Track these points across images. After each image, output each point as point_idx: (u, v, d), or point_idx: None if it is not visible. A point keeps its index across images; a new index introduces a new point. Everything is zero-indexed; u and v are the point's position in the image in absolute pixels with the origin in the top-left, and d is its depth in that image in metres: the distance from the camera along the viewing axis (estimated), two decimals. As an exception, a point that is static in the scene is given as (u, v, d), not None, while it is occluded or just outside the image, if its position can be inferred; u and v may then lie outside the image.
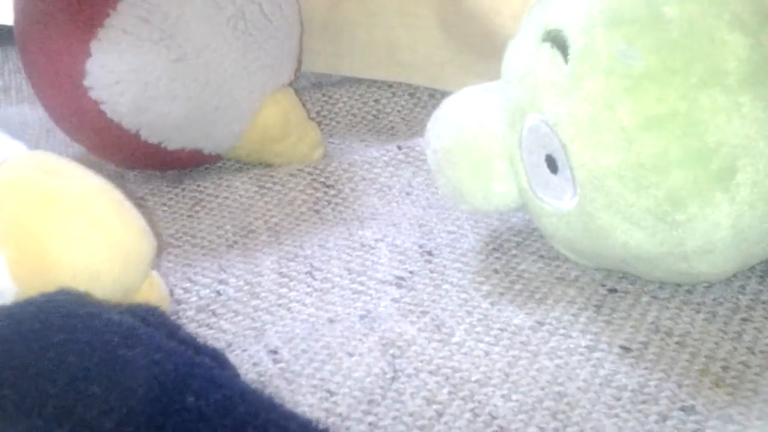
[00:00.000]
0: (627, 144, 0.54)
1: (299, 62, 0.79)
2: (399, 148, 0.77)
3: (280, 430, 0.43)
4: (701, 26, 0.53)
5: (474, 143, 0.61)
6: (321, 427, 0.45)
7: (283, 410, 0.45)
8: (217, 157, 0.77)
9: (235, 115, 0.74)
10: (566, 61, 0.56)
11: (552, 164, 0.57)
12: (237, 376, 0.49)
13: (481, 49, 0.81)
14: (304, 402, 0.52)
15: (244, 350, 0.56)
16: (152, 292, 0.54)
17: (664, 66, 0.53)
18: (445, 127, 0.63)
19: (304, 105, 0.79)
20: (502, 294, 0.60)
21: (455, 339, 0.56)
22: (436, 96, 0.84)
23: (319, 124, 0.83)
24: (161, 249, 0.65)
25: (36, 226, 0.47)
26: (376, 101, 0.85)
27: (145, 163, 0.76)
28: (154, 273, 0.55)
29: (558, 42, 0.56)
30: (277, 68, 0.75)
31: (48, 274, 0.47)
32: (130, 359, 0.43)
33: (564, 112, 0.55)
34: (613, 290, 0.60)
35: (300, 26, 0.79)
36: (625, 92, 0.54)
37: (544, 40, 0.57)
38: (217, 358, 0.47)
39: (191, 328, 0.58)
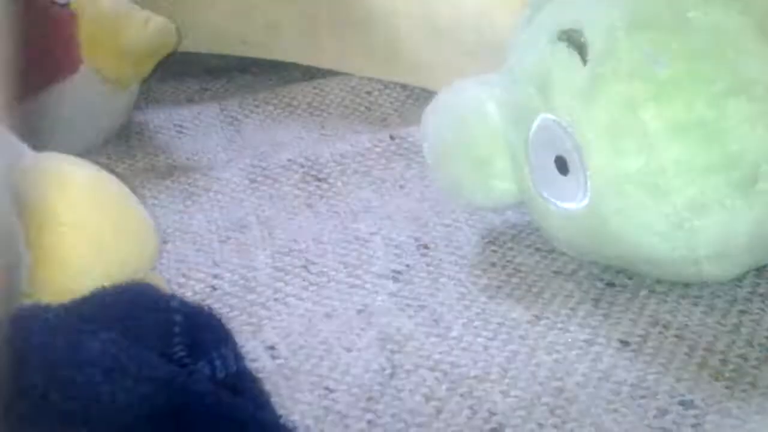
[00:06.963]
0: (649, 149, 0.54)
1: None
2: (392, 137, 0.77)
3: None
4: (726, 34, 0.53)
5: (475, 140, 0.61)
6: None
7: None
8: None
9: None
10: (584, 62, 0.55)
11: (562, 165, 0.57)
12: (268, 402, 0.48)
13: (472, 51, 0.80)
14: (303, 399, 0.52)
15: (242, 346, 0.56)
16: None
17: (691, 73, 0.53)
18: (444, 121, 0.62)
19: (295, 97, 0.78)
20: (499, 287, 0.60)
21: (453, 333, 0.56)
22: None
23: (311, 115, 0.82)
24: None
25: (52, 200, 0.53)
26: (368, 93, 0.84)
27: None
28: (157, 274, 0.58)
29: (575, 42, 0.56)
30: None
31: (60, 242, 0.53)
32: (114, 394, 0.42)
33: (581, 114, 0.55)
34: (610, 284, 0.60)
35: None
36: (649, 97, 0.53)
37: (560, 39, 0.56)
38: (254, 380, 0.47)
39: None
